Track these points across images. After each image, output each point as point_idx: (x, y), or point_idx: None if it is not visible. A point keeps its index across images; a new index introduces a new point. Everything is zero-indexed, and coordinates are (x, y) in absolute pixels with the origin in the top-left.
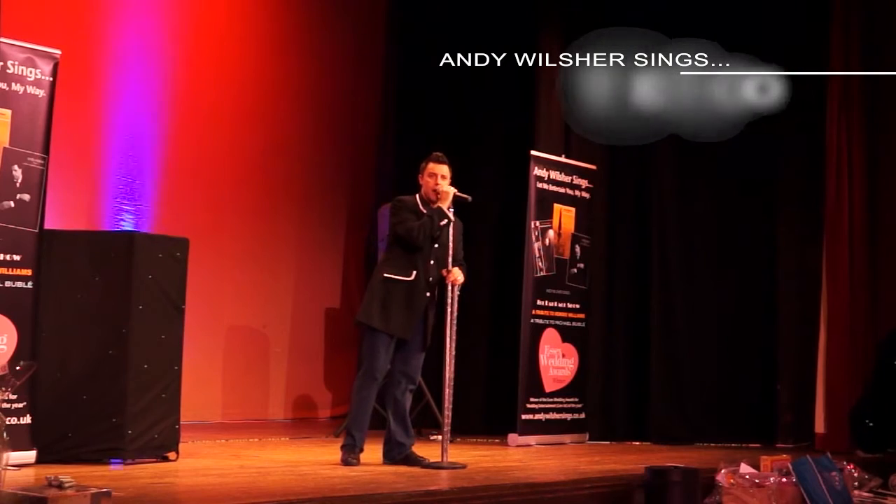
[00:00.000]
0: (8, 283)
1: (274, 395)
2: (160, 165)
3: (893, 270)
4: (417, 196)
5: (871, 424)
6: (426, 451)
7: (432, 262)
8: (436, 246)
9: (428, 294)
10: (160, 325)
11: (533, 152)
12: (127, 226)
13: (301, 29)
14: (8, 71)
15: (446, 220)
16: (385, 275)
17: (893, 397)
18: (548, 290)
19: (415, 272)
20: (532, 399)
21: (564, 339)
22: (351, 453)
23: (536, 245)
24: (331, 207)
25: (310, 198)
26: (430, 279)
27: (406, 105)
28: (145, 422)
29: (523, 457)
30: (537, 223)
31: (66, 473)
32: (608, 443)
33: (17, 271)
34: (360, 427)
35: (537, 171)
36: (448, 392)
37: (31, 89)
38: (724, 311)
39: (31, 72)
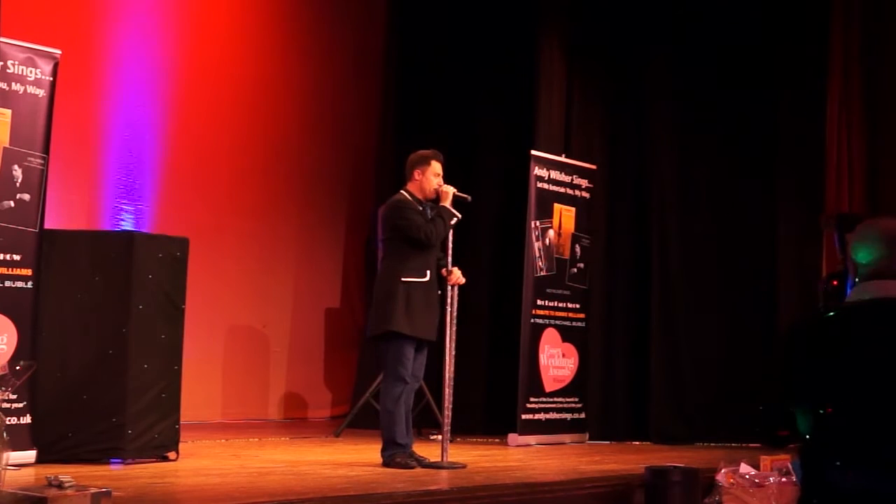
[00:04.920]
0: (8, 283)
1: (274, 395)
2: (160, 165)
3: None
4: (408, 194)
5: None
6: (426, 451)
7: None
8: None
9: (439, 293)
10: (160, 325)
11: (533, 152)
12: (127, 226)
13: (301, 29)
14: (8, 71)
15: (455, 220)
16: (403, 278)
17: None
18: (548, 290)
19: (429, 272)
20: (532, 399)
21: (564, 339)
22: (409, 456)
23: (536, 245)
24: (331, 207)
25: (310, 198)
26: (437, 279)
27: (406, 105)
28: (145, 422)
29: (523, 457)
30: (537, 223)
31: (66, 473)
32: (608, 443)
33: (17, 271)
34: (405, 432)
35: (537, 171)
36: (448, 392)
37: (31, 89)
38: (725, 311)
39: (31, 72)
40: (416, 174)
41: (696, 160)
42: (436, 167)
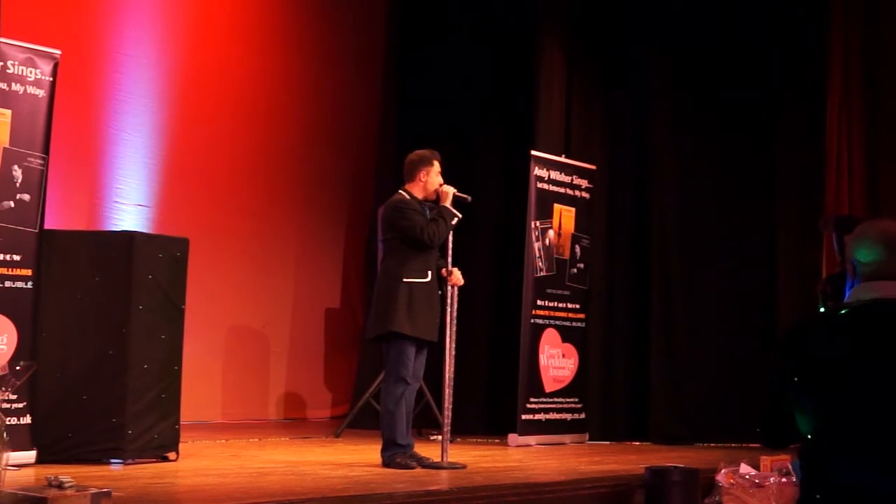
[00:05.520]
0: (8, 283)
1: (274, 395)
2: (160, 165)
3: None
4: (407, 194)
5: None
6: (426, 451)
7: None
8: None
9: (440, 293)
10: (160, 325)
11: (533, 152)
12: (127, 226)
13: (301, 29)
14: (8, 71)
15: (456, 220)
16: (406, 279)
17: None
18: (548, 290)
19: (430, 272)
20: (532, 399)
21: (564, 339)
22: (409, 457)
23: (536, 245)
24: (331, 207)
25: (310, 198)
26: (438, 279)
27: (406, 105)
28: (145, 422)
29: (523, 457)
30: (537, 223)
31: (66, 473)
32: (608, 443)
33: (17, 271)
34: (406, 433)
35: (537, 171)
36: (448, 392)
37: (31, 89)
38: (724, 311)
39: (31, 72)
40: (422, 175)
41: (696, 160)
42: (438, 166)
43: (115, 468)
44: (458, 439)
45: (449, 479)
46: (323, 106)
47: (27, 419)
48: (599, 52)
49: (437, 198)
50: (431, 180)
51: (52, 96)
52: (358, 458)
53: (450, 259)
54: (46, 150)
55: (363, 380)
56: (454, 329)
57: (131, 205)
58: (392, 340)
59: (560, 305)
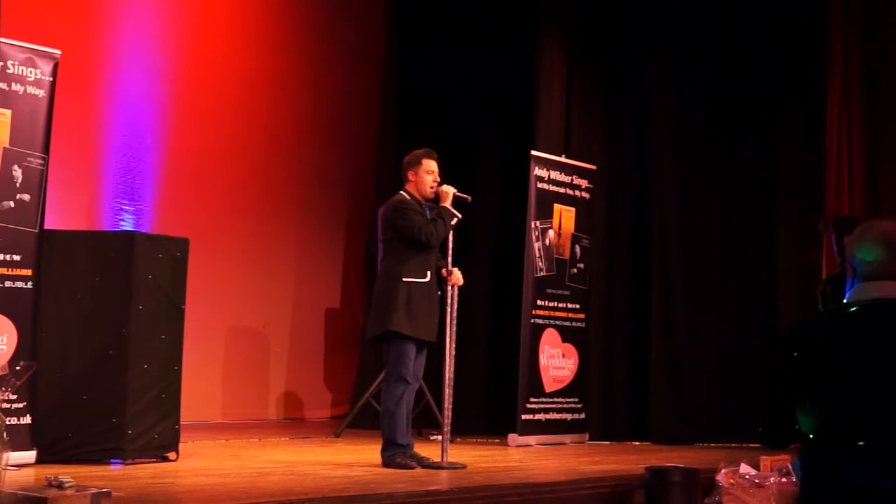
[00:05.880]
0: (8, 283)
1: (274, 395)
2: (160, 165)
3: None
4: (407, 195)
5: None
6: (426, 451)
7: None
8: None
9: (439, 293)
10: (160, 325)
11: (533, 152)
12: (127, 226)
13: (301, 29)
14: (8, 71)
15: (456, 220)
16: (405, 279)
17: (790, 394)
18: (548, 290)
19: (429, 273)
20: (532, 399)
21: (564, 339)
22: (409, 457)
23: (536, 245)
24: (331, 208)
25: (310, 198)
26: (437, 279)
27: (406, 104)
28: (145, 422)
29: (523, 457)
30: (537, 223)
31: (66, 473)
32: (608, 443)
33: (17, 271)
34: (406, 433)
35: (537, 171)
36: (448, 392)
37: (31, 89)
38: (725, 311)
39: (31, 72)
40: (410, 175)
41: (696, 160)
42: (427, 165)
43: (115, 468)
44: (458, 439)
45: (449, 479)
46: (323, 106)
47: (27, 419)
48: (599, 52)
49: (437, 198)
50: (421, 179)
51: (52, 96)
52: (358, 458)
53: (450, 259)
54: (46, 150)
55: (363, 380)
56: (454, 329)
57: (131, 205)
58: (392, 340)
59: (560, 305)
